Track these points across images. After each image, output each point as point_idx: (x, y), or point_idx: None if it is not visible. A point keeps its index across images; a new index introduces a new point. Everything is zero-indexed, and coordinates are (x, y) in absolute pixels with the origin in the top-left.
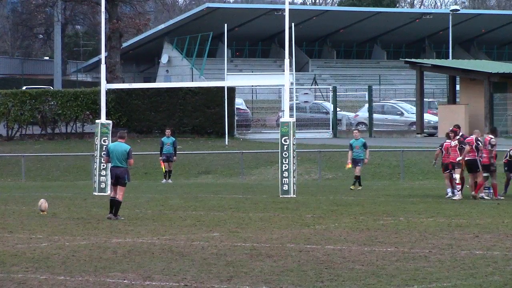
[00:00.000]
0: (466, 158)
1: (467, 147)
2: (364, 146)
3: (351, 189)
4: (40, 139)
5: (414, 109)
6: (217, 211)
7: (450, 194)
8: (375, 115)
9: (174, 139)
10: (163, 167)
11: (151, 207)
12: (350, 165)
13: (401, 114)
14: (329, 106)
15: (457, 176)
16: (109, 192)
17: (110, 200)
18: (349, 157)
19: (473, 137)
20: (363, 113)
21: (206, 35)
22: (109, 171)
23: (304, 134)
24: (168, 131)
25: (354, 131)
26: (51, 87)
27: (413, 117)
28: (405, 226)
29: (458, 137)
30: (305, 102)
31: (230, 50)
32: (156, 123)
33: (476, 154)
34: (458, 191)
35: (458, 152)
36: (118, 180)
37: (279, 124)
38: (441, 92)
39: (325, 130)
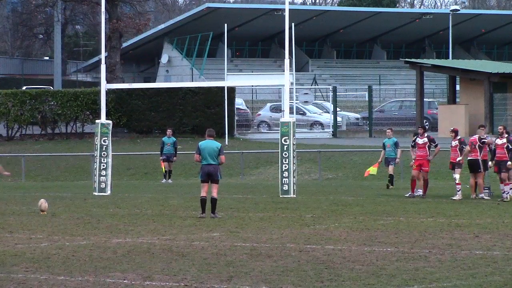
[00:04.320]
0: (468, 158)
1: (467, 148)
2: (396, 145)
3: (387, 188)
4: (40, 139)
5: (318, 110)
6: (217, 211)
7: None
8: (276, 114)
9: (175, 139)
10: (163, 167)
11: (151, 207)
12: (376, 167)
13: (304, 113)
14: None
15: (457, 176)
16: (109, 192)
17: (200, 200)
18: (381, 156)
19: (476, 136)
20: (265, 112)
21: (206, 35)
22: (200, 169)
23: (304, 134)
24: (169, 131)
25: (387, 130)
26: (51, 87)
27: (315, 117)
28: (405, 226)
29: (458, 137)
30: (305, 102)
31: (230, 50)
32: (156, 123)
33: (479, 154)
34: (458, 191)
35: (459, 152)
36: (210, 177)
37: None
38: (441, 92)
39: (325, 130)
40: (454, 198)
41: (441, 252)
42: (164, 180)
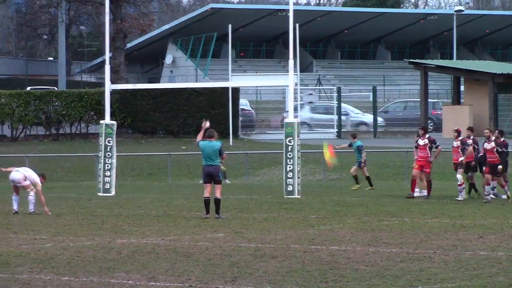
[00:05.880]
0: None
1: (470, 148)
2: (358, 149)
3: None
4: (44, 139)
5: (359, 110)
6: (222, 211)
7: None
8: (319, 116)
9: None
10: None
11: (156, 207)
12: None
13: (347, 114)
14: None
15: (459, 176)
16: (113, 193)
17: (204, 201)
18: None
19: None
20: (304, 113)
21: (210, 35)
22: (202, 171)
23: (309, 135)
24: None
25: (350, 135)
26: (55, 88)
27: (359, 117)
28: (410, 227)
29: (460, 138)
30: (310, 102)
31: (235, 51)
32: (160, 124)
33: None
34: (461, 192)
35: (461, 153)
36: (212, 177)
37: (284, 124)
38: (446, 92)
39: (329, 131)
40: (457, 199)
41: (446, 253)
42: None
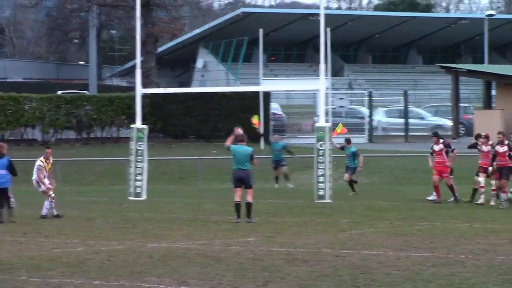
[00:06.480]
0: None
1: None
2: (353, 155)
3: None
4: (75, 143)
5: (428, 114)
6: (253, 215)
7: (433, 198)
8: (394, 120)
9: (283, 144)
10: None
11: (186, 211)
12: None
13: (422, 118)
14: (365, 110)
15: (481, 180)
16: (145, 197)
17: (235, 205)
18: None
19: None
20: (380, 118)
21: (241, 39)
22: (232, 175)
23: (339, 139)
24: (276, 136)
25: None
26: (86, 92)
27: (436, 121)
28: (441, 231)
29: (491, 142)
30: (340, 107)
31: (265, 55)
32: (191, 128)
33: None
34: (494, 197)
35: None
36: (243, 182)
37: (315, 129)
38: (477, 97)
39: (360, 135)
40: (490, 203)
41: (477, 258)
42: (276, 185)
